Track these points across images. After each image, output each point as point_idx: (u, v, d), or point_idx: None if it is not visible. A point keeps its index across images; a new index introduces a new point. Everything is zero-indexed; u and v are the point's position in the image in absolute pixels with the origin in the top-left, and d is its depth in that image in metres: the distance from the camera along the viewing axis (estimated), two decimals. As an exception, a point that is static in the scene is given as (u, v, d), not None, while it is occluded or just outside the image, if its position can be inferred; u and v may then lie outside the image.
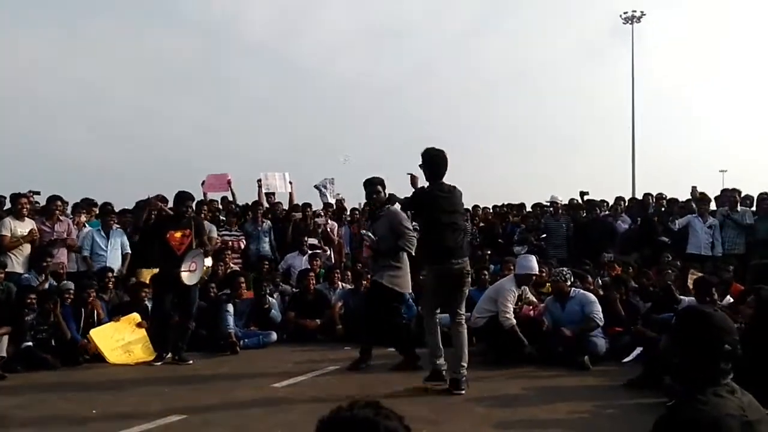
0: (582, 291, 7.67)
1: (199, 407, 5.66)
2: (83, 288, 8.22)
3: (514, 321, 7.41)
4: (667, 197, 12.21)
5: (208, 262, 8.23)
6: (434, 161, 6.19)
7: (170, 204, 8.42)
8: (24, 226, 8.60)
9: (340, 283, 10.03)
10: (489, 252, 11.56)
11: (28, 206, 8.91)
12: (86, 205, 10.34)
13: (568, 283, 7.58)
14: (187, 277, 7.65)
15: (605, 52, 66.37)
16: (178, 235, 7.73)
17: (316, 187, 12.82)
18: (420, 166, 6.25)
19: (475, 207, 13.14)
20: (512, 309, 7.51)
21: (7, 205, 10.17)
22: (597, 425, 5.21)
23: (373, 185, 7.18)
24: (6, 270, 8.19)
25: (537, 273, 8.05)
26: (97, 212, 10.14)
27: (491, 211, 13.48)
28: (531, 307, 7.77)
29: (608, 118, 57.39)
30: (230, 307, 8.69)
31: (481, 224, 12.83)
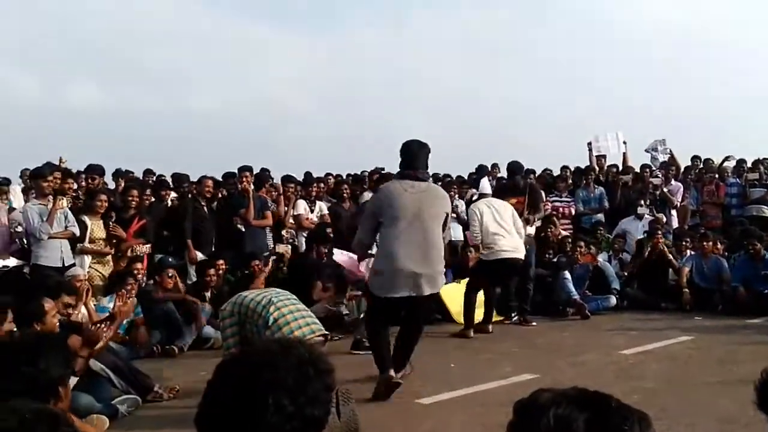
0: None
1: (550, 368, 5.79)
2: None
3: None
4: None
5: None
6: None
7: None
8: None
9: (688, 250, 9.30)
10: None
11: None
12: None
13: None
14: None
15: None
16: None
17: (646, 151, 12.38)
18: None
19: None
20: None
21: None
22: None
23: None
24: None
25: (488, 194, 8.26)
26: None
27: None
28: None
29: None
30: (567, 273, 8.69)
31: None
